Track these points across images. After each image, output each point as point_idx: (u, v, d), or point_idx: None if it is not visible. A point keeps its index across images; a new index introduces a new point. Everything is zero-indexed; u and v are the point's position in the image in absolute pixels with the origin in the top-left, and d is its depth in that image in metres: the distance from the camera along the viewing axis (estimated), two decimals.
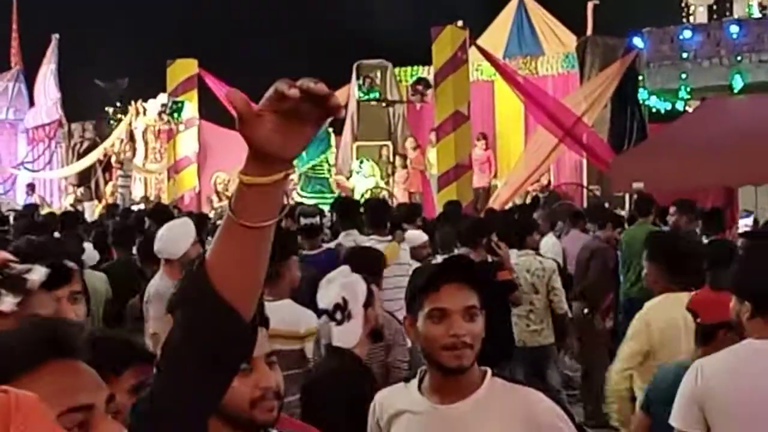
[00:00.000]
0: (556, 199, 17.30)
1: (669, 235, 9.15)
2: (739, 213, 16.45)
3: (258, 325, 2.07)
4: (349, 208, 10.09)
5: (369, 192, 20.79)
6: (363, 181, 21.46)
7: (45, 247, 5.01)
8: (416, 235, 9.72)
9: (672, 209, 11.35)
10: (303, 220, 10.48)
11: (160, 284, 7.07)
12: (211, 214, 16.97)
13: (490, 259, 8.89)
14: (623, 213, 15.61)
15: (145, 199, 23.23)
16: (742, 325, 4.09)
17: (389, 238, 9.07)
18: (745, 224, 13.78)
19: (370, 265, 6.17)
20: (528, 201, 18.71)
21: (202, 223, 13.38)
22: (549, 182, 20.82)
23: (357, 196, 20.77)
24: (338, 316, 4.78)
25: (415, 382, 3.34)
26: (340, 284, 4.86)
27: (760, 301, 4.03)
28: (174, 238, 7.08)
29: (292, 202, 18.44)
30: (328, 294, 4.87)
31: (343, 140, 22.97)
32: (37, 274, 3.10)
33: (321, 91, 1.84)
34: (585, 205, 18.34)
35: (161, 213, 11.85)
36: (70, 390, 1.82)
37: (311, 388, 4.85)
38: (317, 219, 10.58)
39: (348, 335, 4.79)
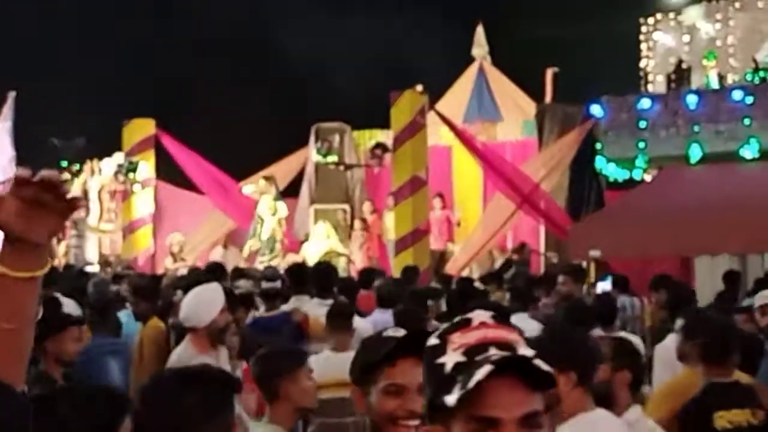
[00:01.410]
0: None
1: None
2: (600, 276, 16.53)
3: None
4: (301, 275, 10.23)
5: (324, 256, 20.64)
6: (318, 244, 21.28)
7: None
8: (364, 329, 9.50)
9: (561, 278, 11.39)
10: (264, 284, 10.46)
11: (182, 355, 6.71)
12: (165, 278, 16.69)
13: None
14: None
15: (104, 259, 22.95)
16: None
17: (330, 302, 9.04)
18: (602, 287, 13.74)
19: None
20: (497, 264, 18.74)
21: (155, 285, 13.37)
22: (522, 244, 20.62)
23: (312, 260, 20.64)
24: None
25: None
26: None
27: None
28: (201, 304, 6.77)
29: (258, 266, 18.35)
30: None
31: (300, 203, 22.84)
32: None
33: (54, 179, 2.02)
34: (542, 272, 18.30)
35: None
36: None
37: None
38: (278, 283, 10.61)
39: None
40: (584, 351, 3.97)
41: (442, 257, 20.90)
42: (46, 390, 3.97)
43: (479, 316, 2.26)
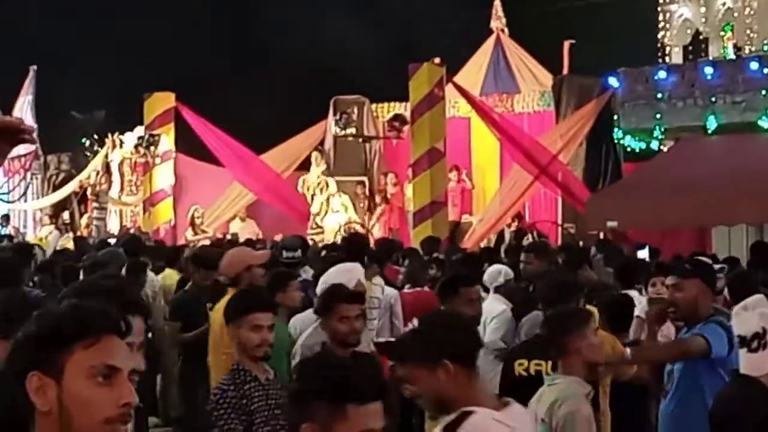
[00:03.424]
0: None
1: None
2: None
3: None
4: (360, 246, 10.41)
5: (341, 228, 20.75)
6: (334, 216, 21.40)
7: None
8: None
9: (524, 256, 10.94)
10: (285, 254, 10.56)
11: (309, 336, 7.04)
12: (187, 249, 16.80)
13: None
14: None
15: (126, 230, 23.07)
16: None
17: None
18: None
19: None
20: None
21: (176, 256, 13.51)
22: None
23: (329, 232, 20.77)
24: (754, 344, 4.84)
25: None
26: (759, 313, 4.89)
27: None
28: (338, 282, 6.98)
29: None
30: (747, 322, 4.90)
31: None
32: None
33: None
34: (560, 243, 18.33)
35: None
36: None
37: (721, 413, 4.99)
38: (299, 252, 10.69)
39: (760, 363, 4.83)
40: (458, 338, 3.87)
41: (457, 228, 20.94)
42: None
43: None
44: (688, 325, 6.56)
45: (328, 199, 21.54)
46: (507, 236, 19.40)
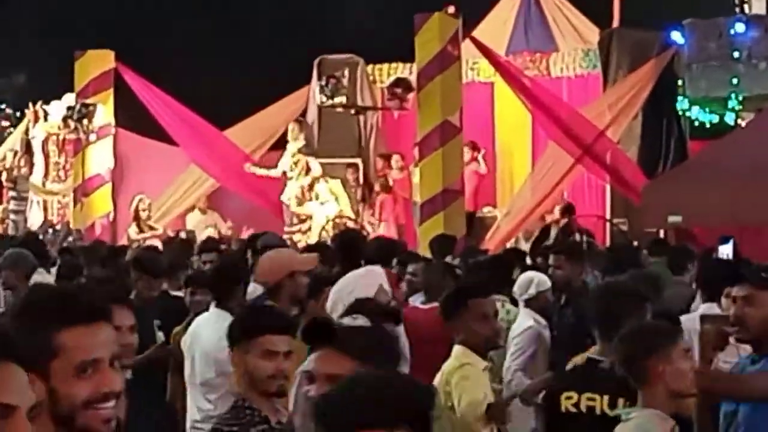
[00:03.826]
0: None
1: None
2: None
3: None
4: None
5: (330, 223, 20.64)
6: (320, 208, 21.25)
7: None
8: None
9: (553, 258, 11.00)
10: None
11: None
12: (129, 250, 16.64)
13: None
14: None
15: (49, 227, 22.98)
16: None
17: None
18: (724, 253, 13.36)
19: None
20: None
21: (116, 259, 13.34)
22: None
23: (315, 226, 20.67)
24: None
25: None
26: None
27: None
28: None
29: None
30: None
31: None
32: None
33: None
34: (609, 243, 18.20)
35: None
36: None
37: None
38: None
39: None
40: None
41: (471, 223, 20.71)
42: None
43: None
44: (758, 352, 6.41)
45: (311, 185, 21.36)
46: (553, 235, 19.27)
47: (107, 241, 20.38)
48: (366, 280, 7.33)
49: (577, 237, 17.29)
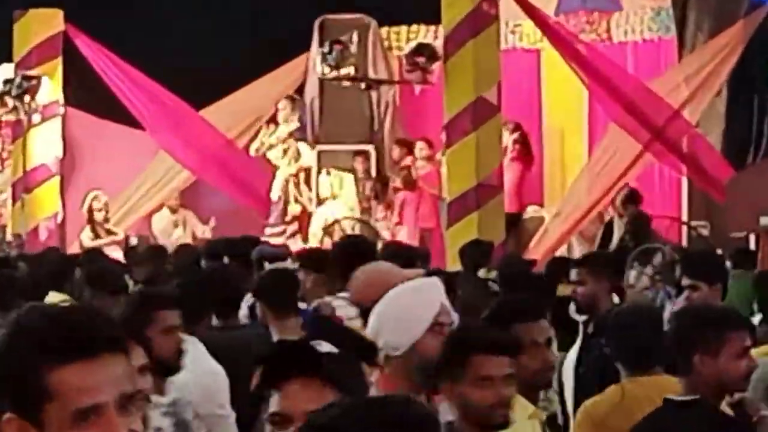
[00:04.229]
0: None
1: None
2: None
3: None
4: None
5: (335, 226, 20.72)
6: (322, 208, 21.38)
7: None
8: None
9: (575, 273, 10.77)
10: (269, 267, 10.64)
11: None
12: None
13: None
14: None
15: None
16: None
17: None
18: None
19: None
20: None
21: (65, 272, 13.45)
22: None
23: (315, 229, 20.77)
24: None
25: None
26: None
27: None
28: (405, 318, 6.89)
29: None
30: None
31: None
32: None
33: None
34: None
35: None
36: None
37: None
38: (289, 263, 10.82)
39: None
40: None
41: (512, 225, 20.74)
42: None
43: None
44: None
45: (307, 177, 21.40)
46: (617, 231, 19.37)
47: (55, 243, 20.58)
48: (423, 297, 6.99)
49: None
